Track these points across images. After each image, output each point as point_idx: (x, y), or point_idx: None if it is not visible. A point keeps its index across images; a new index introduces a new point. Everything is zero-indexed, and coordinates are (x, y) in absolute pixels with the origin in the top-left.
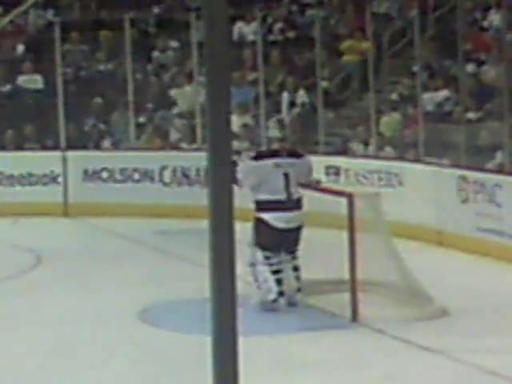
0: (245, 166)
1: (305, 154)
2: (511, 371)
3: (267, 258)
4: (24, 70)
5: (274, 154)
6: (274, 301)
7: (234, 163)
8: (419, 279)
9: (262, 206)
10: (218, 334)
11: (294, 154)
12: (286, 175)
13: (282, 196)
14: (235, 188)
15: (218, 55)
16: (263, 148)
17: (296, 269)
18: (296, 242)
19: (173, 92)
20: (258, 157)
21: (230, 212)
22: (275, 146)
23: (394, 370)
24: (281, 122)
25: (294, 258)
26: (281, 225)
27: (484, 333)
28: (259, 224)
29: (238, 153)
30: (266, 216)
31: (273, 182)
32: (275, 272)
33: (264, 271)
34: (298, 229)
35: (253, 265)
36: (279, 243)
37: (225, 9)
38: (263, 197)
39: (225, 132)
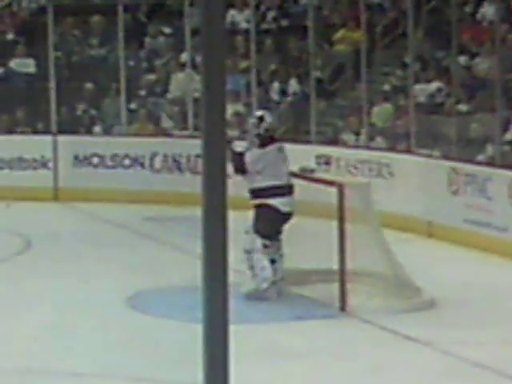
0: (253, 154)
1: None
2: (498, 363)
3: (266, 246)
4: (16, 54)
5: (274, 139)
6: (266, 290)
7: (241, 153)
8: (408, 270)
9: (267, 192)
10: (210, 323)
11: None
12: (285, 160)
13: (284, 181)
14: (236, 177)
15: (214, 43)
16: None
17: (282, 256)
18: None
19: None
20: (264, 144)
21: (223, 200)
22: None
23: (381, 361)
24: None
25: (281, 245)
26: (287, 209)
27: (471, 325)
28: (264, 211)
29: (229, 141)
30: (274, 201)
31: (277, 167)
32: (272, 261)
33: (262, 259)
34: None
35: (248, 252)
36: (280, 229)
37: None
38: (268, 183)
39: (219, 120)
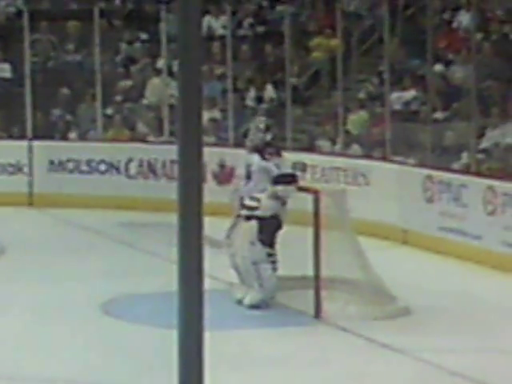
0: (284, 162)
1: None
2: (471, 371)
3: (270, 255)
4: None
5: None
6: (273, 298)
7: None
8: (383, 277)
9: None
10: (185, 329)
11: None
12: None
13: None
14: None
15: (190, 49)
16: (229, 142)
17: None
18: None
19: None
20: (278, 152)
21: (199, 206)
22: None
23: (355, 368)
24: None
25: None
26: (283, 216)
27: (446, 332)
28: (270, 220)
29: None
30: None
31: None
32: (274, 269)
33: (268, 269)
34: None
35: (255, 263)
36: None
37: (198, 3)
38: None
39: (195, 126)
